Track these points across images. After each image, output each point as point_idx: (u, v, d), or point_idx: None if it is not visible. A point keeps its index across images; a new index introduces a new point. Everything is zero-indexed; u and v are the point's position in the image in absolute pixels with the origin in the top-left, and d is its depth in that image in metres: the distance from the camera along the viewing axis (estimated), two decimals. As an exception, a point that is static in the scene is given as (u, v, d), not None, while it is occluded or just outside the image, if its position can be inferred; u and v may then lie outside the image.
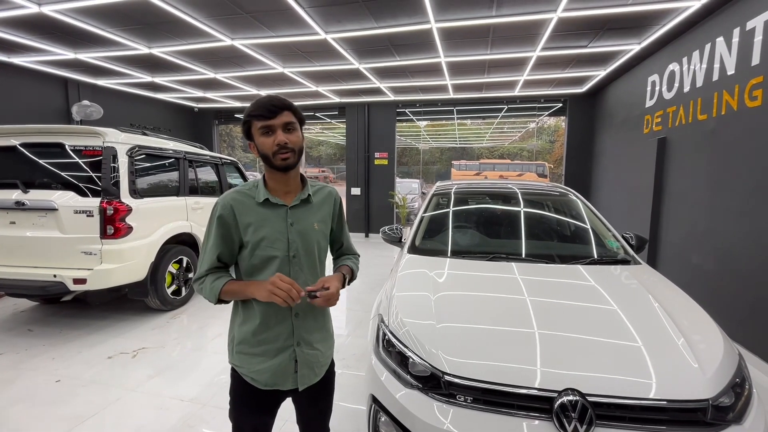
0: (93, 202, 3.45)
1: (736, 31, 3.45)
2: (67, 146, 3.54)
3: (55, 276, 3.35)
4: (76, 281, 3.34)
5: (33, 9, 4.02)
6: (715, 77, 3.74)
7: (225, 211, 1.23)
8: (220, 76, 6.73)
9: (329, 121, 11.74)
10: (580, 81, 7.03)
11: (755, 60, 3.20)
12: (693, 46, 4.17)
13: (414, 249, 2.71)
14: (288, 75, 6.62)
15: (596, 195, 7.60)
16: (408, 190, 11.58)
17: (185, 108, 9.89)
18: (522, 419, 1.40)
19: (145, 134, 4.20)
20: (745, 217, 3.30)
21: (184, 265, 4.30)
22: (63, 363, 3.03)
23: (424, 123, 14.37)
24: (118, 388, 2.69)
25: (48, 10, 4.06)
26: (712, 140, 3.78)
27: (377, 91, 7.90)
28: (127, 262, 3.57)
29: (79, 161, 3.55)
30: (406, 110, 9.35)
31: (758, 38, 3.17)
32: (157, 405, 2.51)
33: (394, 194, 9.19)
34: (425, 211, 3.11)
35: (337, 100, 8.77)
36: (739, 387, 1.48)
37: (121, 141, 3.67)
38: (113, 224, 3.46)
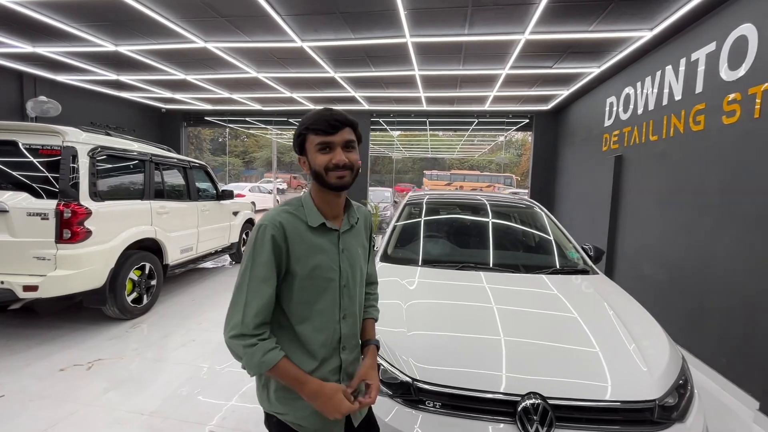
0: (48, 205, 3.26)
1: (683, 61, 3.78)
2: (20, 144, 3.34)
3: (2, 282, 3.12)
4: (27, 288, 3.12)
5: (-12, -2, 3.79)
6: (665, 102, 4.07)
7: (278, 232, 1.04)
8: (191, 77, 6.56)
9: (303, 127, 11.67)
10: (545, 99, 7.41)
11: (699, 88, 3.52)
12: (646, 72, 4.52)
13: (386, 257, 2.75)
14: (262, 80, 6.56)
15: (559, 207, 7.98)
16: (381, 198, 11.67)
17: (152, 108, 9.54)
18: (488, 423, 1.46)
19: (108, 134, 4.03)
20: (688, 232, 3.58)
21: (147, 271, 4.12)
22: (9, 377, 2.82)
23: (398, 133, 14.57)
24: (71, 402, 2.53)
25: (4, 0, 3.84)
26: (662, 160, 4.09)
27: (352, 100, 7.97)
28: (84, 268, 3.38)
29: (35, 161, 3.36)
30: (380, 120, 9.47)
31: (701, 68, 3.49)
32: (115, 419, 2.39)
33: (366, 202, 9.24)
34: (398, 221, 3.16)
35: (311, 106, 8.75)
36: (682, 388, 1.61)
37: (82, 141, 3.50)
38: (70, 228, 3.28)
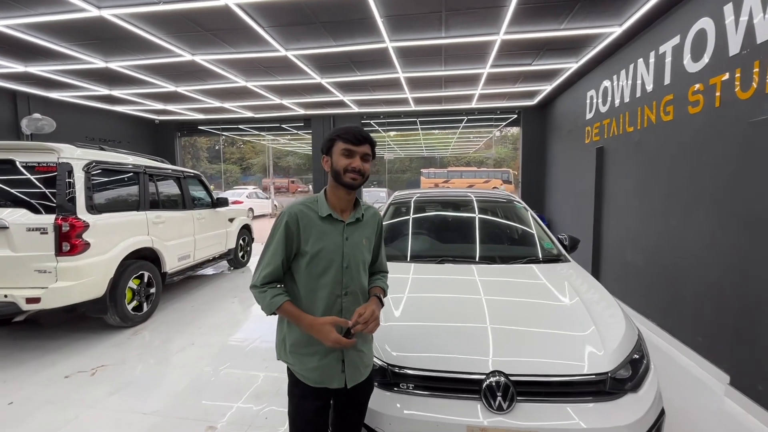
0: (47, 219, 3.40)
1: (652, 54, 3.93)
2: (18, 163, 3.48)
3: (6, 296, 3.26)
4: (29, 300, 3.26)
5: (-20, 23, 3.93)
6: (638, 94, 4.21)
7: (291, 219, 1.38)
8: (182, 89, 6.71)
9: (296, 132, 11.82)
10: (530, 94, 7.56)
11: (667, 80, 3.66)
12: (620, 65, 4.66)
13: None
14: (251, 89, 6.70)
15: (550, 200, 8.12)
16: (375, 198, 11.81)
17: (145, 120, 9.68)
18: (456, 400, 1.60)
19: (102, 149, 4.16)
20: (662, 218, 3.73)
21: (146, 280, 4.26)
22: (16, 385, 2.96)
23: (392, 133, 14.71)
24: (77, 407, 2.67)
25: (-4, 24, 3.98)
26: (638, 150, 4.23)
27: (341, 104, 8.11)
28: (84, 279, 3.52)
29: (32, 178, 3.49)
30: (371, 121, 9.62)
31: (668, 60, 3.64)
32: (118, 420, 2.52)
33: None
34: (383, 220, 3.30)
35: (302, 112, 8.89)
36: (638, 362, 1.75)
37: (76, 157, 3.64)
38: (69, 241, 3.42)
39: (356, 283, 1.44)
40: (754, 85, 2.62)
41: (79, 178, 3.60)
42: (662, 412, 1.68)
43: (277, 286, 1.40)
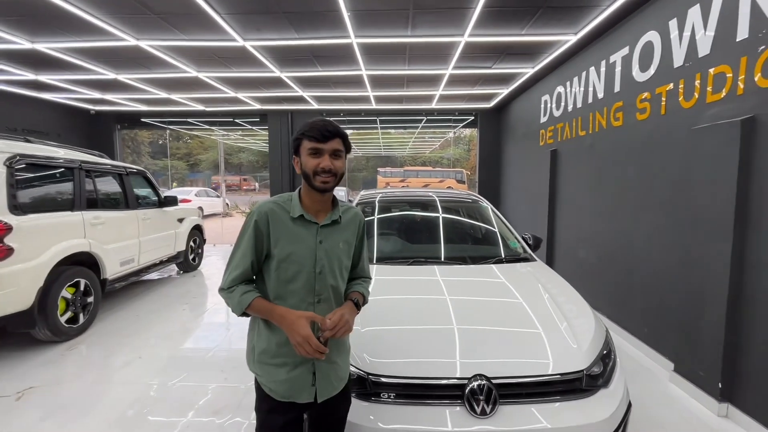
0: (-42, 221, 2.92)
1: (603, 63, 4.17)
2: None
3: None
4: (-64, 316, 2.78)
5: None
6: (590, 100, 4.46)
7: (261, 218, 1.27)
8: (123, 77, 6.12)
9: (250, 127, 11.30)
10: (488, 97, 7.79)
11: (617, 88, 3.91)
12: (573, 72, 4.92)
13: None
14: (203, 80, 6.27)
15: (505, 200, 8.44)
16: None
17: (79, 110, 8.74)
18: (439, 407, 1.56)
19: (28, 140, 3.67)
20: (612, 218, 3.98)
21: (82, 288, 3.82)
22: None
23: (350, 132, 14.56)
24: (-1, 438, 2.31)
25: None
26: (590, 153, 4.49)
27: (300, 100, 7.86)
28: (6, 289, 3.07)
29: (-62, 173, 2.99)
30: (331, 119, 9.42)
31: (618, 69, 3.88)
32: (52, 450, 2.21)
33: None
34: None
35: (258, 106, 8.50)
36: (606, 357, 1.82)
37: (-4, 149, 3.17)
38: (-13, 246, 2.96)
39: (331, 290, 1.33)
40: (696, 95, 2.85)
41: (0, 174, 3.13)
42: (629, 406, 1.75)
43: (245, 285, 1.30)
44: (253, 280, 1.35)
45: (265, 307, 1.24)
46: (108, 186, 4.48)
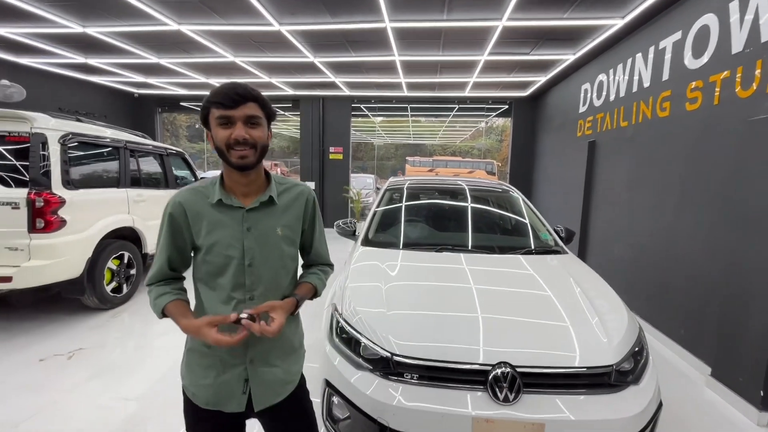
0: (19, 193, 3.17)
1: (651, 49, 3.92)
2: (-15, 131, 3.21)
3: (-27, 274, 3.04)
4: (0, 279, 3.06)
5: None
6: (635, 89, 4.22)
7: (175, 210, 1.12)
8: (165, 61, 6.35)
9: (283, 113, 11.49)
10: (523, 85, 7.52)
11: (665, 76, 3.67)
12: (618, 59, 4.66)
13: (367, 241, 2.82)
14: (239, 64, 6.41)
15: (537, 192, 8.20)
16: (363, 185, 11.67)
17: (124, 93, 9.18)
18: (461, 391, 1.57)
19: (79, 120, 3.90)
20: (653, 213, 3.79)
21: (126, 261, 4.07)
22: (-14, 368, 2.79)
23: (380, 119, 14.50)
24: (53, 391, 2.53)
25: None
26: (630, 145, 4.27)
27: (332, 86, 7.88)
28: (60, 258, 3.32)
29: (1, 148, 3.24)
30: (362, 106, 9.41)
31: (668, 56, 3.64)
32: (98, 406, 2.41)
33: (348, 189, 9.25)
34: (378, 206, 3.23)
35: (291, 92, 8.61)
36: (638, 354, 1.76)
37: (51, 127, 3.39)
38: (43, 217, 3.21)
39: (268, 284, 1.15)
40: (755, 84, 2.63)
41: (54, 151, 3.36)
42: (660, 405, 1.69)
43: (165, 284, 1.15)
44: (181, 276, 1.22)
45: (174, 317, 1.09)
46: (150, 166, 4.70)
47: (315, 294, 1.29)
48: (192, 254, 1.19)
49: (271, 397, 1.18)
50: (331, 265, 1.39)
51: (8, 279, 3.07)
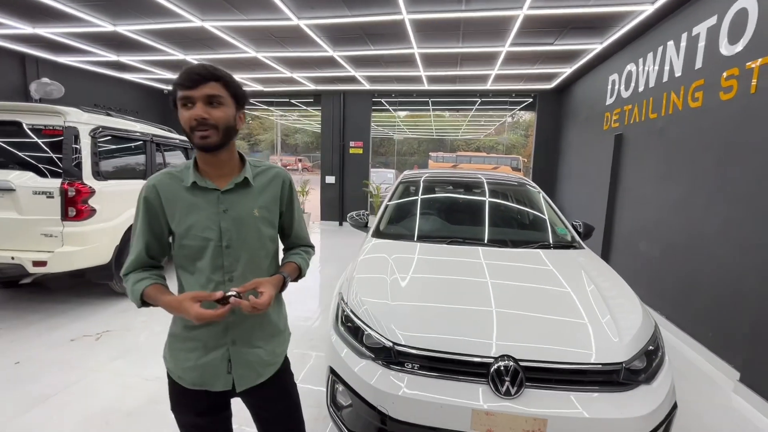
0: (53, 183, 3.37)
1: (684, 36, 3.71)
2: (24, 125, 3.42)
3: (12, 258, 3.26)
4: (36, 263, 3.27)
5: (-15, -22, 3.81)
6: (665, 78, 4.00)
7: (150, 193, 1.11)
8: (191, 57, 6.55)
9: (305, 108, 11.63)
10: (548, 77, 7.29)
11: (698, 64, 3.46)
12: (648, 48, 4.43)
13: (378, 233, 2.83)
14: (261, 60, 6.52)
15: (560, 187, 7.95)
16: (383, 179, 11.69)
17: (154, 90, 9.55)
18: (462, 383, 1.55)
19: (109, 115, 4.09)
20: (681, 209, 3.60)
21: (151, 249, 4.25)
22: (22, 345, 2.99)
23: (402, 113, 14.44)
24: (81, 369, 2.70)
25: (2, -20, 3.86)
26: (660, 138, 4.06)
27: (353, 80, 7.90)
28: (90, 245, 3.51)
29: (38, 141, 3.45)
30: (382, 100, 9.39)
31: (702, 43, 3.43)
32: (122, 384, 2.54)
33: (368, 183, 9.27)
34: (390, 199, 3.22)
35: (312, 87, 8.70)
36: (653, 353, 1.69)
37: (83, 121, 3.58)
38: (75, 206, 3.40)
39: (246, 265, 1.15)
40: (796, 70, 2.44)
41: (85, 144, 3.54)
42: (674, 406, 1.62)
43: (142, 270, 1.14)
44: (159, 265, 1.20)
45: (154, 297, 1.08)
46: (175, 159, 4.88)
47: (300, 274, 1.31)
48: (171, 241, 1.18)
49: (254, 377, 1.20)
50: (312, 246, 1.40)
51: (43, 263, 3.28)
